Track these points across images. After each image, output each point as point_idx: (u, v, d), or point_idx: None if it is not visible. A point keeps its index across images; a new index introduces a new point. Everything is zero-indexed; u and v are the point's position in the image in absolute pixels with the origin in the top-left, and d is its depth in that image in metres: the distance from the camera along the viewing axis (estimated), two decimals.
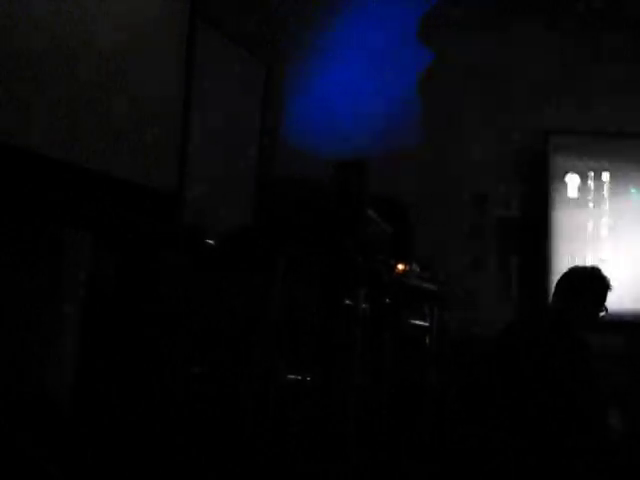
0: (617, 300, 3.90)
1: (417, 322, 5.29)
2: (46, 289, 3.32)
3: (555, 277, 4.09)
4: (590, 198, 6.92)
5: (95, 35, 3.56)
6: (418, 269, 5.33)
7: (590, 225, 6.89)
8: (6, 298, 3.18)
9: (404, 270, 5.11)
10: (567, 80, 7.03)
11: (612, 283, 3.81)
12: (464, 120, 7.01)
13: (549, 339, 3.67)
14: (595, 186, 6.93)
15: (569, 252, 6.71)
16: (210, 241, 4.06)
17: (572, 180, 6.91)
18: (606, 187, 6.94)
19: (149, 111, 4.04)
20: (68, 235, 3.38)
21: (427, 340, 5.35)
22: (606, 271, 3.88)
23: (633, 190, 6.89)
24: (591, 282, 3.79)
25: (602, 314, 3.77)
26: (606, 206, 6.92)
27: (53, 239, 3.32)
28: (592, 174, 6.94)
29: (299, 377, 4.09)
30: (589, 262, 6.62)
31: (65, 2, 3.31)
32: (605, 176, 6.94)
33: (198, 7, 4.40)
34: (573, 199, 6.90)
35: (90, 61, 3.55)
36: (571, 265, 4.08)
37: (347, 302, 4.43)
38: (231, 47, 5.73)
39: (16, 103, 3.13)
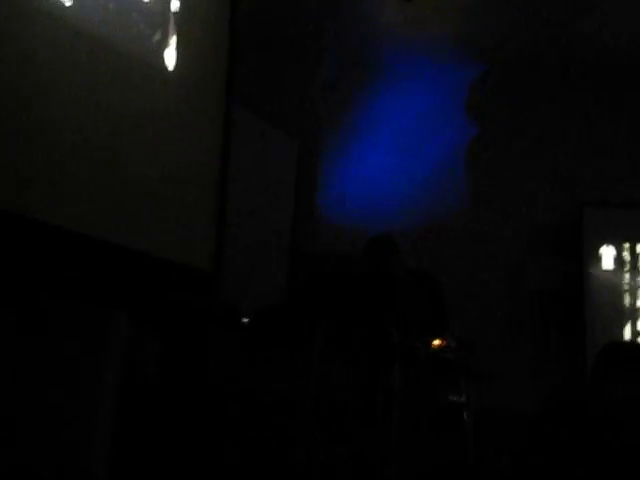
0: None
1: (454, 398, 5.22)
2: (89, 366, 3.35)
3: (592, 351, 4.04)
4: (626, 270, 6.87)
5: (133, 117, 3.64)
6: (454, 344, 5.28)
7: (627, 297, 6.82)
8: (48, 373, 3.21)
9: (440, 345, 5.07)
10: (601, 152, 7.05)
11: None
12: (498, 193, 7.04)
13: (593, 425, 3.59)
14: (631, 258, 6.88)
15: (606, 325, 6.63)
16: (245, 319, 4.09)
17: (607, 252, 6.87)
18: None
19: (186, 190, 4.11)
20: (110, 314, 3.43)
21: (464, 416, 5.28)
22: None
23: None
24: (632, 359, 3.74)
25: None
26: None
27: (96, 318, 3.36)
28: (627, 245, 6.90)
29: (338, 453, 4.06)
30: (627, 335, 6.54)
31: (94, 94, 3.39)
32: None
33: (233, 86, 4.50)
34: (609, 271, 6.85)
35: (129, 141, 3.63)
36: (609, 339, 4.02)
37: (384, 378, 4.41)
38: (265, 126, 5.85)
39: (57, 183, 3.19)
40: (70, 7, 3.22)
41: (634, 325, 6.72)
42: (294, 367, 3.95)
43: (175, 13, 3.93)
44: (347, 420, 4.17)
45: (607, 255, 6.87)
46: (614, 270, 6.85)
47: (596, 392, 3.71)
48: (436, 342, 5.04)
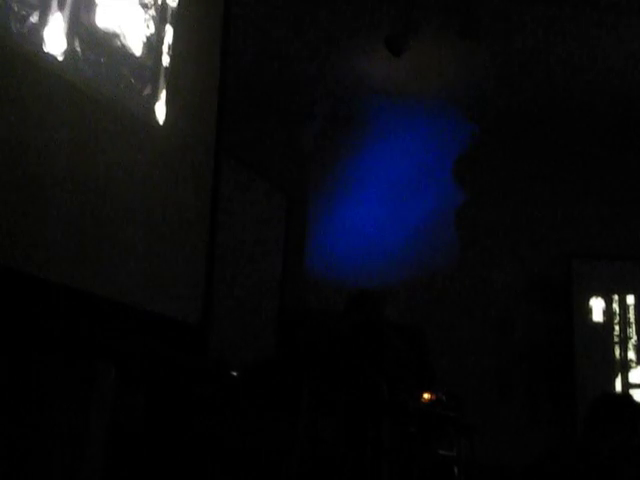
0: None
1: (444, 452, 5.18)
2: (74, 420, 3.31)
3: (583, 403, 4.03)
4: (616, 322, 6.87)
5: (122, 171, 3.66)
6: (444, 397, 5.26)
7: (617, 349, 6.82)
8: (32, 427, 3.17)
9: (430, 399, 5.05)
10: (590, 204, 7.10)
11: None
12: (487, 246, 7.07)
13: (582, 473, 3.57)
14: (620, 309, 6.88)
15: (597, 377, 6.61)
16: (234, 373, 4.06)
17: (597, 304, 6.88)
18: (632, 310, 6.89)
19: (175, 244, 4.11)
20: (97, 367, 3.39)
21: (455, 470, 5.23)
22: (637, 397, 3.82)
23: None
24: (622, 410, 3.72)
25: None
26: (632, 329, 6.85)
27: (82, 371, 3.33)
28: (616, 297, 6.91)
29: None
30: (618, 387, 6.52)
31: (85, 146, 3.41)
32: (630, 299, 6.91)
33: (222, 141, 4.53)
34: (599, 323, 6.85)
35: (118, 195, 3.63)
36: (600, 391, 4.01)
37: (372, 433, 4.37)
38: (254, 180, 5.88)
39: (44, 237, 3.19)
40: (63, 61, 3.25)
41: (624, 377, 6.70)
42: (281, 423, 3.91)
43: (166, 68, 3.97)
44: (336, 477, 4.12)
45: (596, 307, 6.88)
46: (604, 322, 6.85)
47: (587, 444, 3.69)
48: (426, 396, 5.02)
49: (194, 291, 4.26)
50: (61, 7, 3.22)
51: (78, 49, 3.34)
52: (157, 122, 3.91)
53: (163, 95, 3.96)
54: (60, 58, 3.24)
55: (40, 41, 3.12)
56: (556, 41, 5.79)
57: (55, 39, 3.19)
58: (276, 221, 6.24)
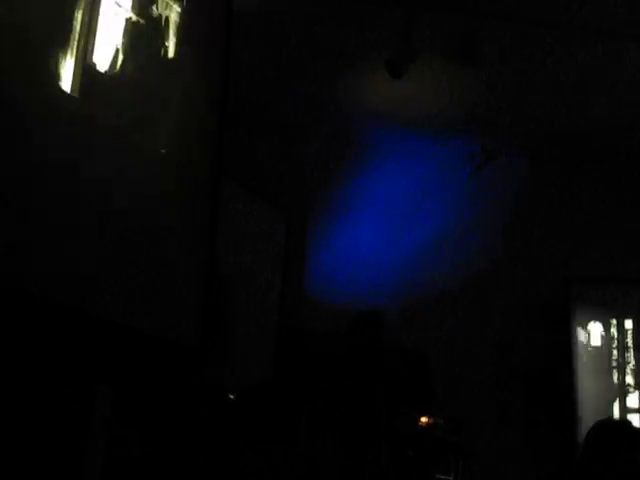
0: None
1: (442, 477, 5.16)
2: (72, 443, 3.30)
3: (582, 427, 4.01)
4: (614, 346, 6.85)
5: (121, 185, 3.65)
6: (442, 421, 5.24)
7: (615, 373, 6.80)
8: (28, 446, 3.16)
9: (427, 422, 5.04)
10: (589, 228, 7.11)
11: None
12: (486, 270, 7.06)
13: None
14: (619, 334, 6.87)
15: (595, 401, 6.59)
16: (231, 395, 4.04)
17: (595, 328, 6.87)
18: (630, 334, 6.87)
19: (175, 265, 4.11)
20: (95, 389, 3.39)
21: None
22: (636, 422, 3.79)
23: None
24: (621, 438, 3.70)
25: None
26: (630, 354, 6.84)
27: (80, 392, 3.32)
28: (615, 322, 6.90)
29: None
30: (616, 411, 6.50)
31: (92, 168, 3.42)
32: (628, 323, 6.90)
33: (223, 159, 4.53)
34: (597, 347, 6.84)
35: (114, 213, 3.63)
36: (598, 417, 3.99)
37: (370, 455, 4.35)
38: (254, 201, 5.88)
39: (46, 257, 3.19)
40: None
41: (622, 402, 6.68)
42: (279, 446, 3.89)
43: (166, 89, 3.99)
44: None
45: (595, 332, 6.86)
46: (602, 346, 6.84)
47: (586, 471, 3.66)
48: (424, 419, 5.01)
49: (192, 313, 4.26)
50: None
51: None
52: (158, 147, 3.93)
53: (165, 120, 3.98)
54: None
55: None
56: (555, 66, 5.82)
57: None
58: (275, 241, 6.23)
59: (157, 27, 3.91)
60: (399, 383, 4.83)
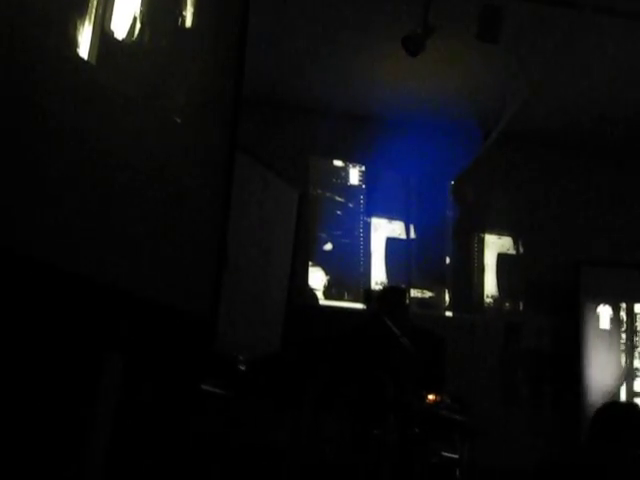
0: None
1: (447, 454, 5.17)
2: (80, 409, 3.32)
3: (588, 410, 4.01)
4: (623, 329, 6.85)
5: (137, 157, 3.65)
6: (449, 400, 5.25)
7: (623, 357, 6.80)
8: (37, 412, 3.18)
9: (434, 400, 5.04)
10: (599, 212, 7.09)
11: None
12: (496, 253, 7.05)
13: None
14: (627, 318, 6.87)
15: (602, 385, 6.60)
16: (242, 367, 4.06)
17: (604, 312, 6.87)
18: (639, 318, 6.87)
19: (186, 237, 4.11)
20: (105, 358, 3.40)
21: (457, 472, 5.22)
22: None
23: None
24: (627, 420, 3.70)
25: None
26: (638, 337, 6.84)
27: (90, 361, 3.34)
28: (624, 305, 6.90)
29: None
30: (623, 395, 6.51)
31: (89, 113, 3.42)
32: (637, 307, 6.90)
33: (237, 134, 4.52)
34: (605, 331, 6.84)
35: (128, 185, 3.63)
36: (605, 399, 3.99)
37: (376, 431, 4.37)
38: (267, 175, 5.87)
39: (58, 222, 3.20)
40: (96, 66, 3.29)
41: (630, 385, 6.69)
42: (286, 419, 3.92)
43: (186, 69, 3.97)
44: (338, 473, 4.12)
45: (604, 315, 6.86)
46: (611, 330, 6.84)
47: (592, 454, 3.67)
48: (430, 397, 5.01)
49: (203, 285, 4.26)
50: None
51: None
52: (175, 115, 3.92)
53: (182, 88, 3.96)
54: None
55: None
56: (577, 48, 5.74)
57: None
58: (287, 216, 6.23)
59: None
60: (410, 361, 4.84)
